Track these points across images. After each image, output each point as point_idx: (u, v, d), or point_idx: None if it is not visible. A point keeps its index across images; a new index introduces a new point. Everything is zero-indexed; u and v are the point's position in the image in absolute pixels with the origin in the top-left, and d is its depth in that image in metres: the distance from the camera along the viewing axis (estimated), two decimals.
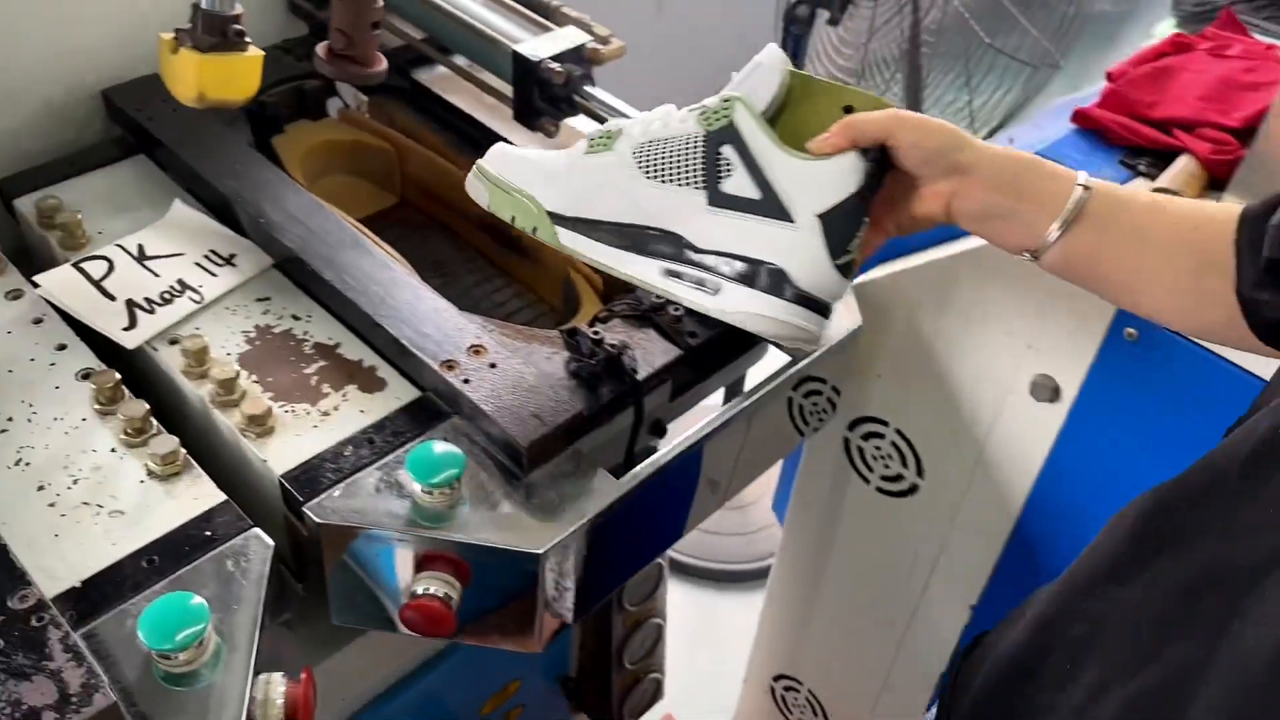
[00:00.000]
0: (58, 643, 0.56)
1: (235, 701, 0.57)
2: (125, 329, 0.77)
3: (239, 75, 0.80)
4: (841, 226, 0.63)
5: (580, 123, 1.00)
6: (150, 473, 0.68)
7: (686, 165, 0.64)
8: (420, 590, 0.67)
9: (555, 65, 0.90)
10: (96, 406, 0.71)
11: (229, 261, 0.83)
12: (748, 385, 0.85)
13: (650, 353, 0.80)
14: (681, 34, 2.32)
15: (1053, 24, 1.36)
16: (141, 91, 0.96)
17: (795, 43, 1.39)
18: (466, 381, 0.73)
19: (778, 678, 1.38)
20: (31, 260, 0.89)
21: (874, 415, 1.00)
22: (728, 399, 0.85)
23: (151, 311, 0.78)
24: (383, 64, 0.87)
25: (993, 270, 0.86)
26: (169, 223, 0.86)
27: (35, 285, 0.79)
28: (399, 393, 0.75)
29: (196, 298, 0.79)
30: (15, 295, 0.80)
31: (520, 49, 0.91)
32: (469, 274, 1.00)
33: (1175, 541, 0.52)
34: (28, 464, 0.68)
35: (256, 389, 0.74)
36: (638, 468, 0.74)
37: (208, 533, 0.65)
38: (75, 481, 0.67)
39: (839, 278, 0.64)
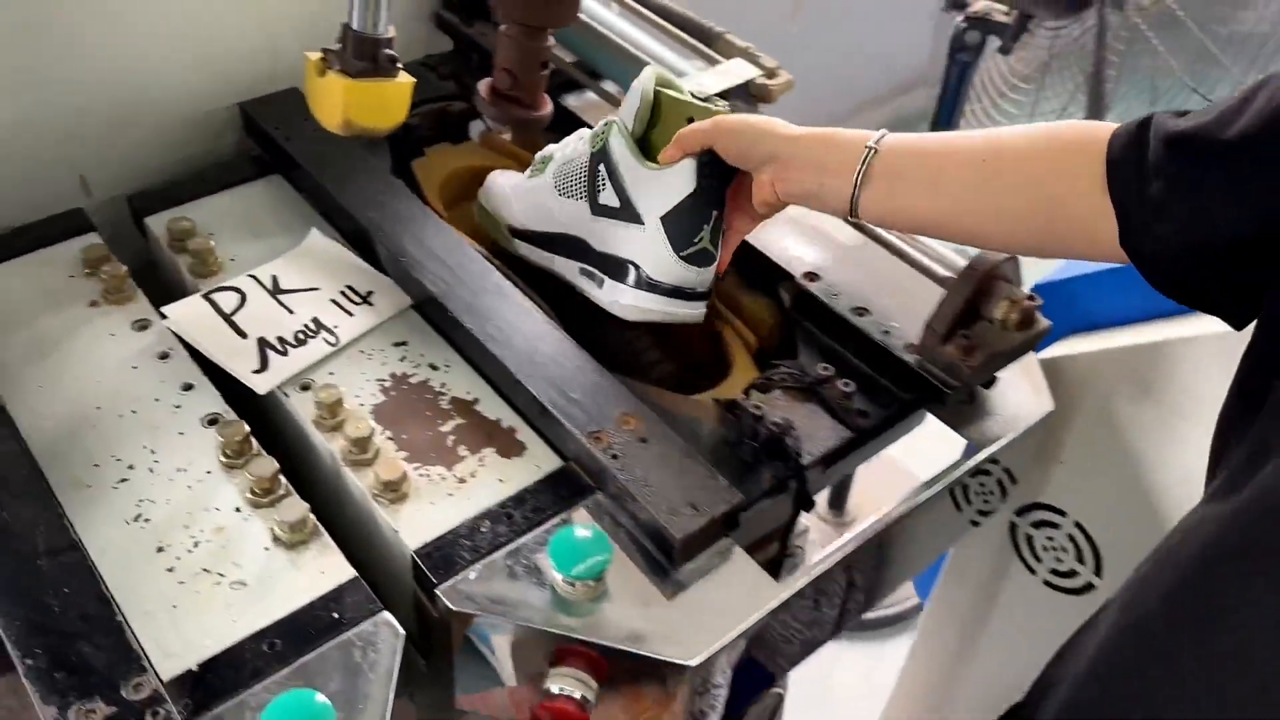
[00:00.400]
0: None
1: None
2: (256, 371, 0.72)
3: (388, 103, 0.75)
4: (682, 223, 0.71)
5: None
6: (276, 539, 0.63)
7: (578, 182, 0.75)
8: (556, 690, 0.61)
9: (721, 103, 0.82)
10: (222, 459, 0.67)
11: (366, 300, 0.78)
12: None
13: (816, 433, 0.72)
14: (819, 36, 2.21)
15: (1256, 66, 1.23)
16: (280, 107, 0.92)
17: (961, 69, 1.29)
18: (615, 457, 0.66)
19: None
20: (157, 279, 0.85)
21: (1050, 503, 0.90)
22: None
23: (284, 353, 0.73)
24: (549, 107, 0.81)
25: (1208, 360, 0.76)
26: (304, 252, 0.82)
27: (163, 316, 0.75)
28: (539, 460, 0.69)
29: (332, 340, 0.74)
30: (142, 325, 0.76)
31: (684, 84, 0.83)
32: (606, 319, 0.93)
33: (1230, 612, 0.47)
34: (147, 520, 0.64)
35: (390, 447, 0.68)
36: (801, 571, 0.66)
37: (335, 614, 0.59)
38: (196, 544, 0.62)
39: (688, 266, 0.72)
